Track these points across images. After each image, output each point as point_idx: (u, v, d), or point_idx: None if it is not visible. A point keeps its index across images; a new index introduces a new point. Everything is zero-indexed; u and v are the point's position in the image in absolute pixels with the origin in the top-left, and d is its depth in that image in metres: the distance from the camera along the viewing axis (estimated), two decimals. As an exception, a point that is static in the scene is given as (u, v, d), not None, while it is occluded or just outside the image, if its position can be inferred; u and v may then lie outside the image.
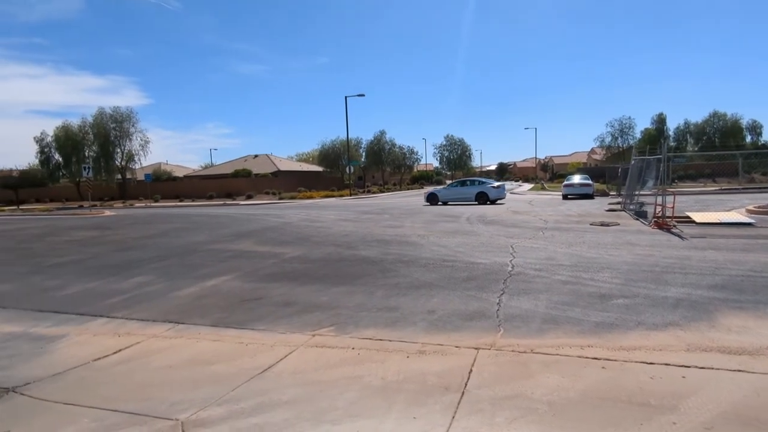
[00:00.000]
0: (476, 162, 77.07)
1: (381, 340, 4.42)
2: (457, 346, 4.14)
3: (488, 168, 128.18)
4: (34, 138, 47.56)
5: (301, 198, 40.43)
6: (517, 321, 4.78)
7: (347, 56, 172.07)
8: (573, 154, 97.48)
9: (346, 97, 43.36)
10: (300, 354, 4.18)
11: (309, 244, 10.94)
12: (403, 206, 24.19)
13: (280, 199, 39.73)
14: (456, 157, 59.97)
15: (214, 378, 3.73)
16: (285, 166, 62.64)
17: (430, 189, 28.37)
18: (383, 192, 52.48)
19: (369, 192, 50.47)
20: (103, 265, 9.28)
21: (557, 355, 3.84)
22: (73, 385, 3.70)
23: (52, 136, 47.33)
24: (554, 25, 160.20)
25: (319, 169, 65.00)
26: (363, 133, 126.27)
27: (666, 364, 3.55)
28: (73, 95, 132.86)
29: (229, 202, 37.97)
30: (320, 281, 7.05)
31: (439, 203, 24.31)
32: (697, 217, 12.61)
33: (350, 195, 43.61)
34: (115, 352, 4.42)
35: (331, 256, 9.18)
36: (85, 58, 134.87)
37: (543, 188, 46.02)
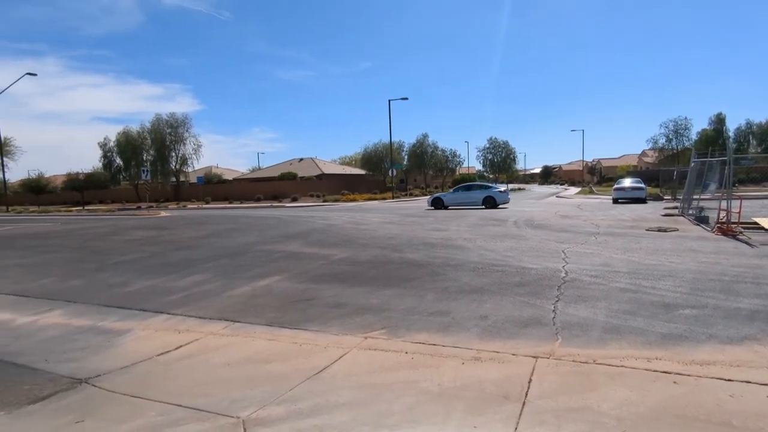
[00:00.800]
0: (520, 165, 75.38)
1: (434, 344, 4.34)
2: (513, 354, 4.00)
3: (532, 171, 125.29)
4: (98, 143, 50.63)
5: (344, 200, 40.83)
6: (576, 329, 4.57)
7: (390, 60, 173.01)
8: (622, 156, 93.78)
9: (389, 101, 43.58)
10: (353, 356, 4.15)
11: (355, 246, 10.98)
12: (447, 209, 23.92)
13: (324, 201, 40.28)
14: (500, 160, 58.86)
15: (271, 377, 3.76)
16: (329, 169, 63.55)
17: (435, 194, 28.07)
18: (425, 195, 52.21)
19: (411, 195, 50.37)
20: (162, 263, 9.66)
21: (622, 366, 3.62)
22: (139, 379, 3.82)
23: (114, 142, 50.16)
24: (602, 21, 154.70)
25: (362, 172, 65.54)
26: (405, 136, 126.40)
27: (746, 382, 3.28)
28: (133, 103, 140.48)
29: (275, 204, 38.86)
30: (369, 283, 7.04)
31: (444, 207, 24.32)
32: (767, 223, 11.75)
33: (392, 198, 43.66)
34: (176, 348, 4.55)
35: (378, 258, 9.17)
36: (144, 67, 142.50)
37: (591, 192, 44.42)
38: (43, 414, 3.25)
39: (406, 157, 66.08)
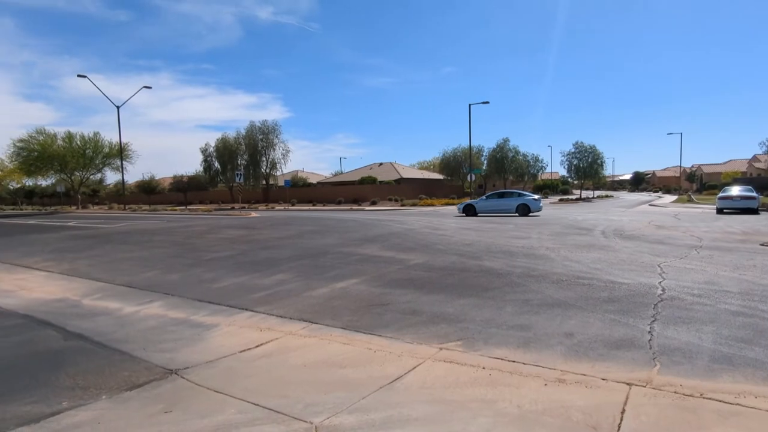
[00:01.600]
0: (608, 170, 70.38)
1: (514, 361, 4.05)
2: (603, 379, 3.61)
3: (621, 177, 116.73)
4: (200, 149, 54.97)
5: (421, 205, 40.71)
6: (677, 355, 4.04)
7: (473, 64, 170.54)
8: (728, 162, 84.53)
9: (469, 105, 42.82)
10: (428, 367, 3.99)
11: (432, 251, 10.80)
12: (527, 216, 22.90)
13: (402, 205, 40.43)
14: (586, 165, 55.30)
15: (344, 383, 3.71)
16: (407, 173, 63.84)
17: (466, 201, 26.78)
18: (505, 201, 50.57)
19: (490, 200, 48.98)
20: (249, 261, 10.14)
21: (738, 405, 3.11)
22: (222, 374, 3.95)
23: (213, 147, 54.18)
24: (701, 15, 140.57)
25: (440, 176, 65.04)
26: (485, 140, 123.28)
27: None
28: (231, 111, 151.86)
29: (355, 207, 39.68)
30: (445, 291, 6.83)
31: (475, 214, 23.67)
32: None
33: (471, 203, 42.75)
34: (257, 346, 4.67)
35: (455, 265, 8.91)
36: (241, 78, 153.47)
37: (690, 200, 40.34)
38: (137, 401, 3.45)
39: (485, 162, 64.55)
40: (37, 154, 46.91)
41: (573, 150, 56.90)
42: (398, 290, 6.95)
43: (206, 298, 6.81)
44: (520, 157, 64.60)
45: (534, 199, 23.53)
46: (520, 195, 24.16)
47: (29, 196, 73.08)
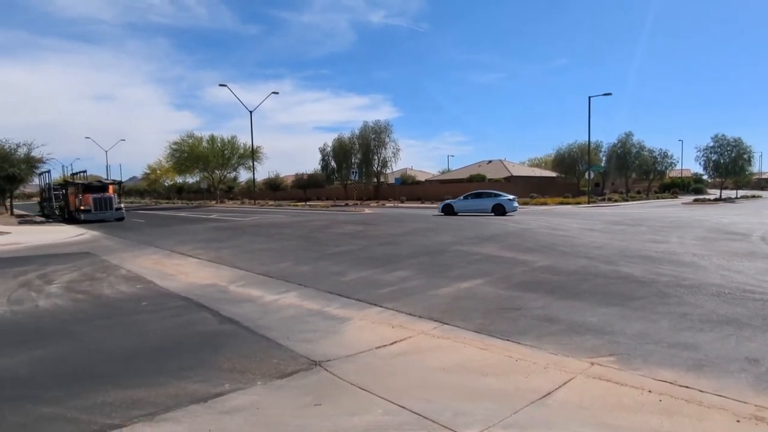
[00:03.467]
0: (755, 167, 59.99)
1: (687, 387, 3.42)
2: (819, 422, 2.87)
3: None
4: (319, 148, 58.12)
5: (533, 204, 38.60)
6: None
7: (589, 55, 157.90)
8: None
9: (589, 98, 39.34)
10: (581, 384, 3.54)
11: (556, 253, 9.99)
12: (661, 217, 20.40)
13: (513, 204, 38.66)
14: (728, 160, 47.68)
15: (489, 392, 3.43)
16: (517, 171, 61.07)
17: (446, 200, 26.63)
18: (626, 201, 45.93)
19: (609, 200, 44.84)
20: (369, 257, 10.28)
21: None
22: (363, 370, 3.91)
23: (330, 147, 56.96)
24: None
25: (553, 174, 61.18)
26: (604, 135, 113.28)
27: None
28: (345, 113, 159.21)
29: (464, 205, 38.84)
30: (581, 298, 6.18)
31: (454, 214, 24.08)
32: None
33: (588, 203, 39.51)
34: (392, 343, 4.58)
35: (587, 269, 8.10)
36: (354, 81, 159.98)
37: None
38: (288, 391, 3.52)
39: (603, 158, 59.21)
40: (186, 154, 53.64)
41: (712, 144, 49.44)
42: (528, 294, 6.45)
43: (336, 291, 6.96)
44: (645, 153, 58.13)
45: (509, 200, 23.77)
46: (496, 195, 24.53)
47: (179, 191, 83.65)
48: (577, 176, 57.41)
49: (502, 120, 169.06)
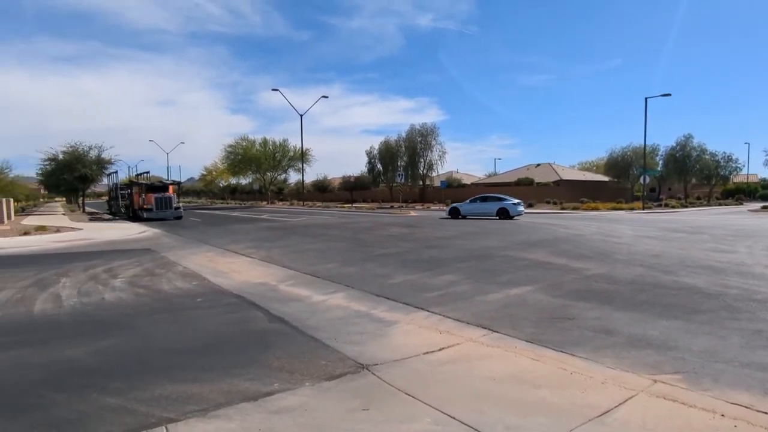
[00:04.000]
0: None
1: (766, 413, 3.10)
2: None
3: None
4: (366, 151, 58.73)
5: (584, 209, 37.03)
6: None
7: (644, 54, 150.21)
8: None
9: (646, 99, 37.36)
10: (644, 403, 3.28)
11: (611, 261, 9.48)
12: (725, 225, 18.98)
13: (562, 209, 37.34)
14: (806, 164, 43.75)
15: (543, 406, 3.24)
16: (567, 175, 58.95)
17: (453, 204, 27.70)
18: (685, 207, 43.15)
19: (666, 206, 42.32)
20: (415, 260, 10.17)
21: None
22: (410, 376, 3.82)
23: (377, 150, 57.35)
24: None
25: (605, 178, 58.56)
26: (661, 138, 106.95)
27: None
28: (391, 116, 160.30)
29: (511, 209, 37.89)
30: (639, 309, 5.80)
31: (460, 217, 24.89)
32: None
33: (642, 208, 37.46)
34: (439, 350, 4.47)
35: (644, 279, 7.61)
36: (401, 84, 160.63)
37: None
38: (336, 393, 3.49)
39: (660, 162, 56.03)
40: (240, 157, 55.68)
41: (783, 147, 45.62)
42: (581, 303, 6.13)
43: (382, 294, 6.91)
44: (707, 157, 54.50)
45: (513, 204, 24.36)
46: (501, 200, 24.97)
47: (233, 192, 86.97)
48: (631, 181, 54.67)
49: (552, 122, 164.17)
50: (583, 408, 3.21)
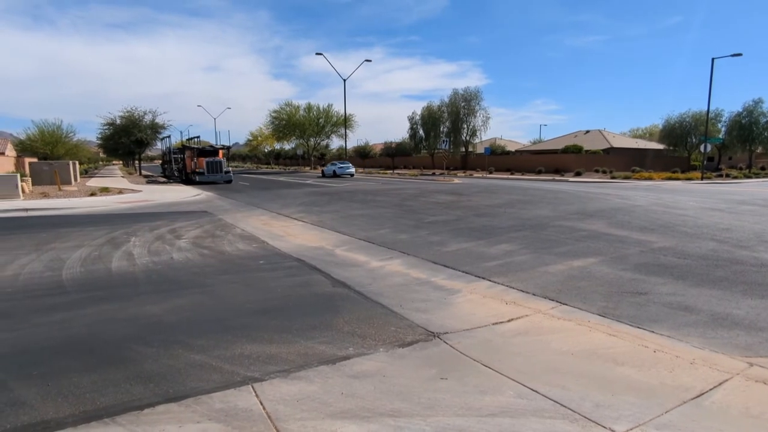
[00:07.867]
0: None
1: None
2: None
3: None
4: (408, 117, 57.65)
5: (636, 178, 35.19)
6: None
7: (708, 12, 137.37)
8: None
9: (713, 60, 34.16)
10: (742, 387, 3.06)
11: (677, 234, 8.93)
12: (798, 198, 17.49)
13: (612, 178, 35.61)
14: None
15: (630, 385, 3.08)
16: (618, 142, 55.93)
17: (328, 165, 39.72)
18: (749, 177, 40.13)
19: (727, 176, 39.50)
20: (467, 228, 9.97)
21: None
22: (483, 346, 3.74)
23: (419, 115, 56.21)
24: None
25: (659, 146, 55.14)
26: (724, 104, 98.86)
27: None
28: (433, 81, 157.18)
29: (557, 177, 36.57)
30: (718, 286, 5.43)
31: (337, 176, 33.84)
32: None
33: (701, 178, 35.14)
34: (508, 321, 4.35)
35: (719, 254, 7.12)
36: (444, 48, 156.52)
37: None
38: (411, 361, 3.46)
39: (723, 129, 52.00)
40: (284, 122, 56.12)
41: None
42: (653, 278, 5.81)
43: (440, 261, 6.82)
44: (778, 123, 49.96)
45: (340, 167, 37.67)
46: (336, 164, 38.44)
47: (277, 157, 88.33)
48: (689, 149, 51.22)
49: (601, 87, 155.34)
50: (675, 389, 3.03)
